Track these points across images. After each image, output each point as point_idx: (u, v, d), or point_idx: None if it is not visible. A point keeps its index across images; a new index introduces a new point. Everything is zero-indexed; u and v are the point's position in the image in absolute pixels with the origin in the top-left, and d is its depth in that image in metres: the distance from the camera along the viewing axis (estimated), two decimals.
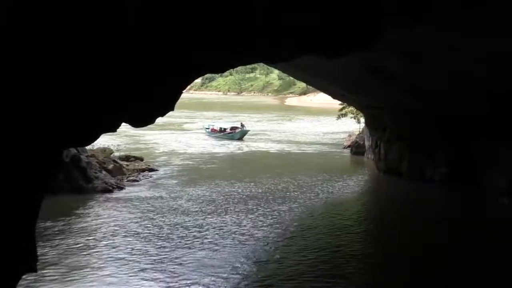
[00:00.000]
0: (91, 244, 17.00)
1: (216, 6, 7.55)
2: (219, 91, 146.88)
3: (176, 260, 15.37)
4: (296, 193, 25.02)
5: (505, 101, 19.31)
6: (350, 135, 42.75)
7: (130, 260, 15.39)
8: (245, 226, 19.17)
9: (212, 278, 13.98)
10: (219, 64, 9.49)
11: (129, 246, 16.69)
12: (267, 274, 14.62)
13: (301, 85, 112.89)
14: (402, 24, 11.04)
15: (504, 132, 21.06)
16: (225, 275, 14.26)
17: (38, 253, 8.07)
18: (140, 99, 8.23)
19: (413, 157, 27.84)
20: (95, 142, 10.12)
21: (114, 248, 16.55)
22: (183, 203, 22.77)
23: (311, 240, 17.82)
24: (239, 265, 15.05)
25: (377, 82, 22.43)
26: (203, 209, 21.67)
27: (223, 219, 20.09)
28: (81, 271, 14.57)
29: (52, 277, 13.90)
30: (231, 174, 30.61)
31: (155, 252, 16.14)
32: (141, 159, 33.39)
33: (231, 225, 19.26)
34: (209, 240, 17.39)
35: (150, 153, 37.76)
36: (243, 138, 47.94)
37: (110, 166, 28.28)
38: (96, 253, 16.10)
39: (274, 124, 63.17)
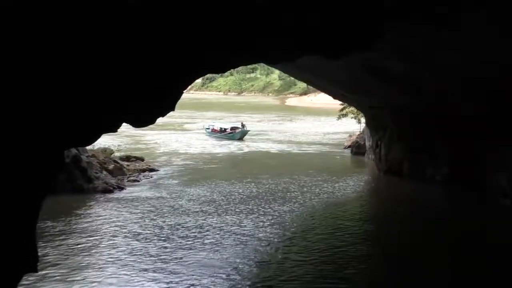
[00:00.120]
0: (92, 244, 17.01)
1: (216, 6, 7.56)
2: (219, 91, 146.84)
3: (177, 261, 15.38)
4: (296, 193, 25.03)
5: (505, 101, 19.31)
6: (350, 135, 42.76)
7: (131, 261, 15.40)
8: (246, 226, 19.18)
9: (213, 279, 13.98)
10: (219, 64, 9.51)
11: (130, 247, 16.70)
12: (269, 274, 14.62)
13: (302, 85, 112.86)
14: (402, 24, 11.06)
15: (504, 132, 21.06)
16: (226, 275, 14.26)
17: (39, 253, 8.08)
18: (141, 99, 8.25)
19: (414, 158, 27.84)
20: (96, 142, 10.14)
21: (115, 248, 16.56)
22: (184, 203, 22.79)
23: (312, 241, 17.83)
24: (240, 266, 15.05)
25: (377, 82, 22.45)
26: (204, 209, 21.68)
27: (224, 219, 20.10)
28: (82, 271, 14.58)
29: (53, 278, 13.91)
30: (231, 174, 30.62)
31: (156, 252, 16.15)
32: (142, 159, 33.42)
33: (231, 225, 19.27)
34: (210, 240, 17.40)
35: (151, 153, 37.78)
36: (244, 138, 47.97)
37: (111, 166, 28.29)
38: (97, 254, 16.11)
39: (275, 124, 63.20)
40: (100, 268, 14.87)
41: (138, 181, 27.93)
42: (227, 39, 8.25)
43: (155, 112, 8.89)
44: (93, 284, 13.68)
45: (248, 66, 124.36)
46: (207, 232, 18.31)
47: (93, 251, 16.37)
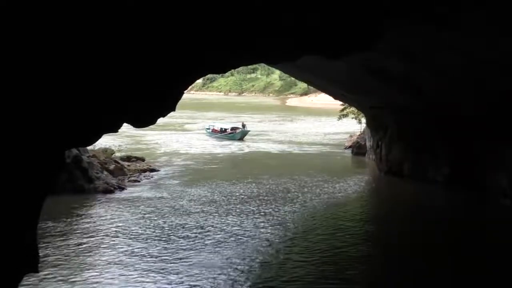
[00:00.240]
0: (93, 245, 17.02)
1: (216, 6, 7.57)
2: (220, 92, 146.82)
3: (178, 261, 15.38)
4: (297, 194, 25.03)
5: (505, 101, 19.31)
6: (351, 136, 42.77)
7: (132, 261, 15.41)
8: (246, 226, 19.19)
9: (214, 279, 13.99)
10: (219, 64, 9.52)
11: (131, 247, 16.71)
12: (270, 275, 14.62)
13: (302, 85, 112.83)
14: (402, 24, 11.08)
15: (504, 132, 21.06)
16: (227, 276, 14.26)
17: (40, 254, 8.09)
18: (141, 99, 8.27)
19: (414, 158, 27.83)
20: (97, 143, 10.15)
21: (116, 249, 16.57)
22: (185, 203, 22.80)
23: (313, 241, 17.83)
24: (242, 266, 15.04)
25: (377, 82, 22.46)
26: (205, 209, 21.69)
27: (225, 219, 20.11)
28: (83, 272, 14.59)
29: (54, 278, 13.92)
30: (232, 174, 30.63)
31: (157, 253, 16.16)
32: (142, 160, 33.45)
33: (232, 225, 19.27)
34: (211, 241, 17.40)
35: (151, 154, 37.81)
36: (244, 139, 47.99)
37: (112, 167, 28.31)
38: (98, 254, 16.12)
39: (275, 125, 63.20)
40: (101, 268, 14.87)
41: (139, 181, 27.95)
42: (227, 39, 8.27)
43: (155, 112, 8.91)
44: (94, 285, 13.69)
45: (249, 67, 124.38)
46: (208, 233, 18.32)
47: (94, 251, 16.38)
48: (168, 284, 13.74)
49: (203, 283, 13.75)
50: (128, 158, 32.67)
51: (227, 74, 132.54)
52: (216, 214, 20.99)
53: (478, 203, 22.86)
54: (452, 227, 19.54)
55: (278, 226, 19.34)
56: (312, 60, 14.48)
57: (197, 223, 19.58)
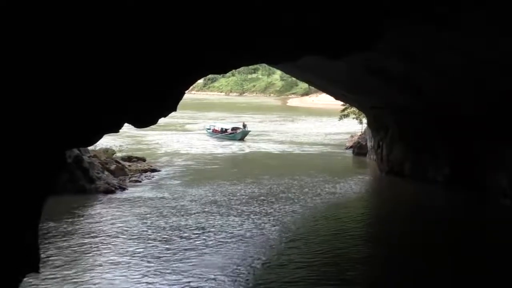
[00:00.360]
0: (94, 245, 17.03)
1: (216, 6, 7.60)
2: (221, 92, 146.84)
3: (179, 262, 15.39)
4: (298, 194, 25.04)
5: (505, 101, 19.33)
6: (352, 136, 42.79)
7: (133, 261, 15.42)
8: (247, 227, 19.20)
9: (215, 280, 14.00)
10: (220, 64, 9.55)
11: (132, 247, 16.73)
12: (271, 276, 14.62)
13: (303, 85, 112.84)
14: (402, 24, 11.09)
15: (504, 132, 21.07)
16: (228, 277, 14.25)
17: (42, 254, 8.12)
18: (141, 99, 8.29)
19: (415, 158, 27.85)
20: (97, 143, 10.17)
21: (117, 249, 16.58)
22: (186, 204, 22.82)
23: (314, 242, 17.83)
24: (243, 267, 15.04)
25: (377, 82, 22.48)
26: (206, 210, 21.71)
27: (226, 220, 20.13)
28: (85, 272, 14.61)
29: (55, 278, 13.94)
30: (233, 174, 30.65)
31: (158, 253, 16.17)
32: (143, 160, 33.48)
33: (234, 226, 19.29)
34: (212, 241, 17.41)
35: (152, 154, 37.83)
36: (245, 139, 48.00)
37: (113, 167, 28.34)
38: (99, 254, 16.14)
39: (276, 125, 63.21)
40: (103, 269, 14.89)
41: (140, 181, 27.97)
42: (228, 39, 8.29)
43: (156, 112, 8.93)
44: (96, 285, 13.72)
45: (250, 67, 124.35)
46: (209, 233, 18.33)
47: (96, 252, 16.39)
48: (170, 284, 13.74)
49: (205, 283, 13.76)
50: (129, 158, 32.69)
51: (228, 74, 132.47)
52: (217, 214, 21.01)
53: (478, 203, 22.87)
54: (452, 227, 19.55)
55: (279, 227, 19.35)
56: (312, 60, 14.50)
57: (198, 223, 19.60)
